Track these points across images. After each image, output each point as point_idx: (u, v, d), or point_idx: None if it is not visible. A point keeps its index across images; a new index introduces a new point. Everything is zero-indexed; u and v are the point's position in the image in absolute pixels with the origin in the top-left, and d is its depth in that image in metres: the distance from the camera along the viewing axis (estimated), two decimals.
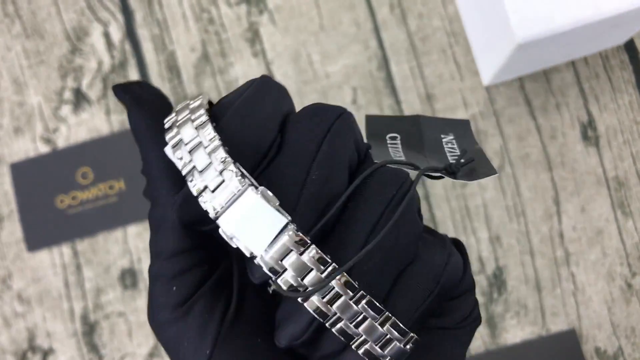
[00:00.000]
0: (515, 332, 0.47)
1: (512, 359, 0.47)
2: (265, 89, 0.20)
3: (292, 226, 0.17)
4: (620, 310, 0.46)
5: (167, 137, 0.19)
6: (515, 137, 0.48)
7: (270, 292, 0.20)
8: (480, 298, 0.47)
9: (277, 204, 0.17)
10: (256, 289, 0.21)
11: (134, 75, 0.50)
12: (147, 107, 0.20)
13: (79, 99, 0.50)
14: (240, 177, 0.17)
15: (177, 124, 0.19)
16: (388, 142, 0.23)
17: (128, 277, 0.49)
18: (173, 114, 0.20)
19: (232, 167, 0.17)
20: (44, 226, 0.50)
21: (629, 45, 0.48)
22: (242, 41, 0.50)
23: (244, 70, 0.50)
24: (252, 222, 0.17)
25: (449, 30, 0.49)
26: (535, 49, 0.41)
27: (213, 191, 0.17)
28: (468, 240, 0.48)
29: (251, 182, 0.18)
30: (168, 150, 0.19)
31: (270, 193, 0.17)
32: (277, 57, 0.50)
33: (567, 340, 0.47)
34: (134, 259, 0.49)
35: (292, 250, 0.17)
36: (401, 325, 0.18)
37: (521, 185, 0.48)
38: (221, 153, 0.18)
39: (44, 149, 0.50)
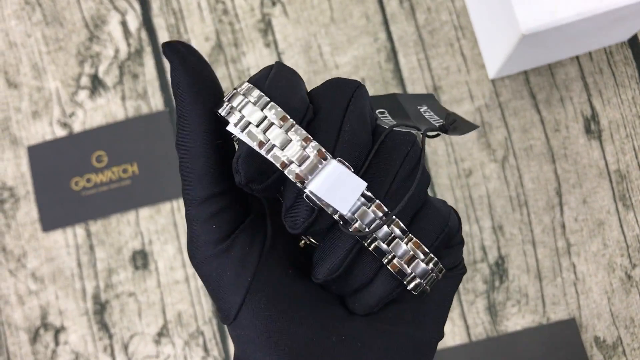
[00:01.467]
0: (516, 320, 0.48)
1: (513, 346, 0.48)
2: (286, 69, 0.22)
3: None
4: (619, 301, 0.47)
5: (232, 119, 0.21)
6: (519, 129, 0.49)
7: (302, 245, 0.24)
8: (482, 286, 0.48)
9: (352, 170, 0.21)
10: (283, 233, 0.23)
11: (149, 63, 0.52)
12: (191, 67, 0.22)
13: (96, 85, 0.52)
14: (320, 150, 0.20)
15: (239, 107, 0.21)
16: (379, 116, 0.26)
17: (139, 259, 0.50)
18: (226, 102, 0.22)
19: (313, 143, 0.20)
20: (58, 207, 0.51)
21: (633, 42, 0.49)
22: (254, 32, 0.51)
23: (256, 59, 0.51)
24: (339, 187, 0.20)
25: (457, 24, 0.50)
26: (540, 41, 0.42)
27: (299, 165, 0.20)
28: (471, 229, 0.49)
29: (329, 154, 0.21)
30: (234, 129, 0.21)
31: (346, 162, 0.20)
32: (288, 47, 0.51)
33: (567, 329, 0.47)
34: (145, 241, 0.50)
35: (363, 206, 0.21)
36: (423, 246, 0.22)
37: (524, 176, 0.49)
38: (301, 131, 0.20)
39: (60, 132, 0.52)
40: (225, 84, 0.51)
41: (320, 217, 0.21)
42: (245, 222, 0.23)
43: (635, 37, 0.49)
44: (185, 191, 0.22)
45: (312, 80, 0.50)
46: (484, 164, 0.49)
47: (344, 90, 0.22)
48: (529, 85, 0.49)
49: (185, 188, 0.22)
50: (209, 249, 0.22)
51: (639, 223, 0.48)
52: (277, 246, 0.23)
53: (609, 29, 0.44)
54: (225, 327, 0.49)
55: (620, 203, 0.48)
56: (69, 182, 0.51)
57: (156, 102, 0.51)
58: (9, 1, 0.53)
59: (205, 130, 0.22)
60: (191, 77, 0.22)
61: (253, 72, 0.51)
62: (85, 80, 0.52)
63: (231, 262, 0.22)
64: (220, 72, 0.51)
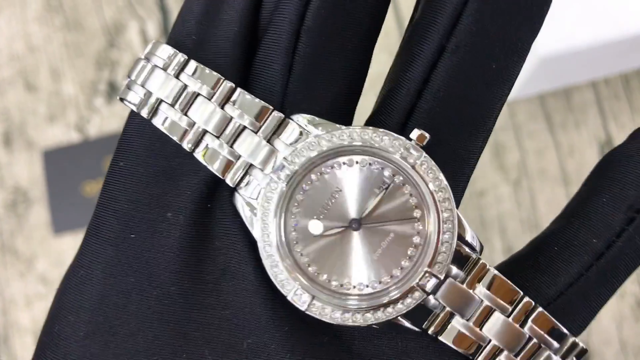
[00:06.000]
0: None
1: None
2: None
3: None
4: (629, 328, 0.47)
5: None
6: (533, 152, 0.49)
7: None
8: None
9: None
10: None
11: None
12: None
13: (113, 91, 0.52)
14: None
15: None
16: None
17: None
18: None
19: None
20: (70, 211, 0.51)
21: None
22: None
23: None
24: None
25: None
26: (557, 65, 0.42)
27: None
28: None
29: None
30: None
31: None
32: None
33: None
34: None
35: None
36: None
37: (537, 198, 0.49)
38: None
39: (76, 137, 0.52)
40: None
41: None
42: None
43: None
44: None
45: None
46: (497, 185, 0.49)
47: None
48: (544, 108, 0.49)
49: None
50: None
51: None
52: None
53: (627, 55, 0.44)
54: None
55: None
56: (82, 186, 0.52)
57: None
58: (33, 6, 0.54)
59: None
60: None
61: None
62: (102, 86, 0.52)
63: None
64: None
